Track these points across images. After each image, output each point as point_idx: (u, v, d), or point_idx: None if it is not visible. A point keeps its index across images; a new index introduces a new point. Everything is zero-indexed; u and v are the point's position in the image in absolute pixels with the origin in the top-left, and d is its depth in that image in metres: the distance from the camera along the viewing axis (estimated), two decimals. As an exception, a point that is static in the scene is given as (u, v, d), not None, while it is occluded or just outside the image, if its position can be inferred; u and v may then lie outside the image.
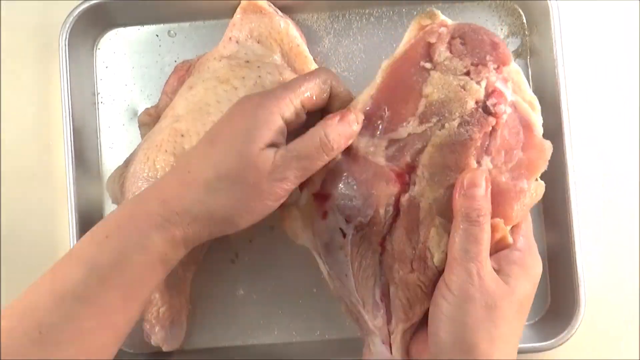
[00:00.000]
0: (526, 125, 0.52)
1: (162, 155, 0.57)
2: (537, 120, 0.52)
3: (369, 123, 0.52)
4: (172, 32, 0.65)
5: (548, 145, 0.51)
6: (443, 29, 0.52)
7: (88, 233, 0.48)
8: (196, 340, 0.63)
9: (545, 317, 0.62)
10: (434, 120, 0.51)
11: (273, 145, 0.49)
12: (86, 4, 0.62)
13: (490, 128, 0.51)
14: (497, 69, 0.51)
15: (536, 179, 0.51)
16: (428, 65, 0.52)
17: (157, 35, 0.66)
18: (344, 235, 0.52)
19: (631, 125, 0.64)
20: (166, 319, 0.59)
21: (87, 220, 0.61)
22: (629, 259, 0.64)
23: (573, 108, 0.60)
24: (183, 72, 0.61)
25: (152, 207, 0.48)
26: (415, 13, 0.64)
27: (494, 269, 0.49)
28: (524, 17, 0.64)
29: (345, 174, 0.52)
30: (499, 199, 0.50)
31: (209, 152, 0.49)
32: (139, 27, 0.66)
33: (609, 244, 0.64)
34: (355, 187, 0.52)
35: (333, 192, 0.52)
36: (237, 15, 0.60)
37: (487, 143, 0.51)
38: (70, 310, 0.45)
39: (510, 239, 0.50)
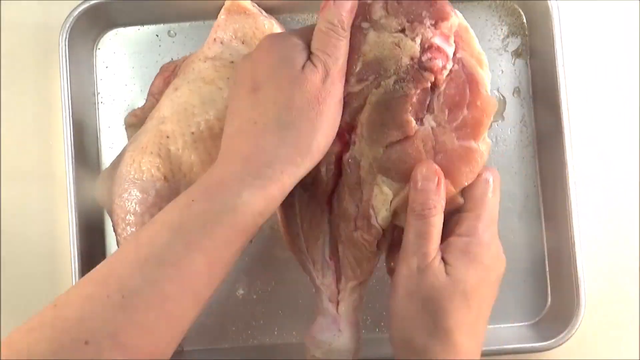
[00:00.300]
0: (472, 81, 0.50)
1: (148, 157, 0.57)
2: (484, 77, 0.51)
3: None
4: (172, 32, 0.65)
5: (493, 102, 0.50)
6: None
7: (172, 202, 0.47)
8: (196, 340, 0.63)
9: (545, 317, 0.62)
10: (371, 78, 0.51)
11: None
12: (86, 4, 0.62)
13: (429, 84, 0.50)
14: (435, 24, 0.50)
15: (485, 139, 0.51)
16: (365, 25, 0.51)
17: (157, 35, 0.66)
18: (292, 195, 0.51)
19: (631, 125, 0.64)
20: None
21: (87, 220, 0.61)
22: (629, 259, 0.64)
23: (573, 108, 0.60)
24: (169, 73, 0.61)
25: (236, 169, 0.47)
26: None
27: (442, 258, 0.49)
28: (524, 17, 0.64)
29: None
30: (445, 161, 0.50)
31: (259, 96, 0.48)
32: (139, 27, 0.66)
33: (609, 244, 0.64)
34: None
35: None
36: (221, 16, 0.60)
37: (428, 100, 0.50)
38: (153, 274, 0.44)
39: (460, 200, 0.50)
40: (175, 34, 0.65)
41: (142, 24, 0.65)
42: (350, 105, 0.51)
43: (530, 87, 0.64)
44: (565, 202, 0.59)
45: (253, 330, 0.63)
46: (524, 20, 0.64)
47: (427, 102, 0.50)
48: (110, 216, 0.59)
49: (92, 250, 0.61)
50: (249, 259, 0.63)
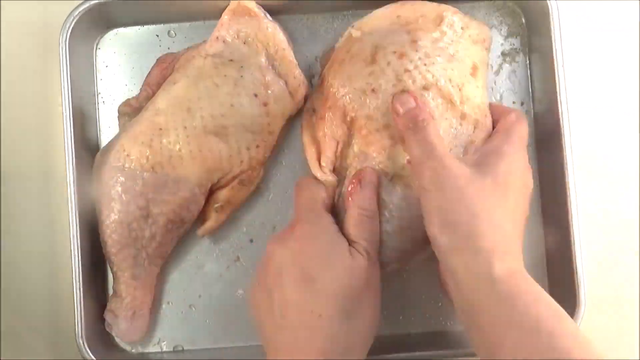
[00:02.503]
0: None
1: (138, 147, 0.58)
2: None
3: None
4: (172, 32, 0.65)
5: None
6: None
7: None
8: (196, 340, 0.63)
9: (545, 317, 0.62)
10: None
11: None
12: (86, 4, 0.62)
13: None
14: None
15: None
16: None
17: (157, 35, 0.66)
18: None
19: (631, 125, 0.64)
20: (129, 310, 0.60)
21: (87, 220, 0.60)
22: (629, 258, 0.64)
23: (573, 108, 0.60)
24: (166, 65, 0.62)
25: None
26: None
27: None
28: (523, 17, 0.64)
29: None
30: None
31: (317, 287, 0.49)
32: (139, 27, 0.66)
33: (609, 244, 0.64)
34: None
35: None
36: (225, 16, 0.60)
37: None
38: None
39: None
40: (175, 34, 0.65)
41: (142, 24, 0.65)
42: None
43: (530, 87, 0.64)
44: (565, 202, 0.59)
45: (253, 330, 0.63)
46: (523, 21, 0.64)
47: None
48: (96, 202, 0.59)
49: (92, 250, 0.61)
50: (249, 259, 0.63)
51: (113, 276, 0.60)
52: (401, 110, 0.52)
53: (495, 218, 0.49)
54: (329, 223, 0.53)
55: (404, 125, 0.52)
